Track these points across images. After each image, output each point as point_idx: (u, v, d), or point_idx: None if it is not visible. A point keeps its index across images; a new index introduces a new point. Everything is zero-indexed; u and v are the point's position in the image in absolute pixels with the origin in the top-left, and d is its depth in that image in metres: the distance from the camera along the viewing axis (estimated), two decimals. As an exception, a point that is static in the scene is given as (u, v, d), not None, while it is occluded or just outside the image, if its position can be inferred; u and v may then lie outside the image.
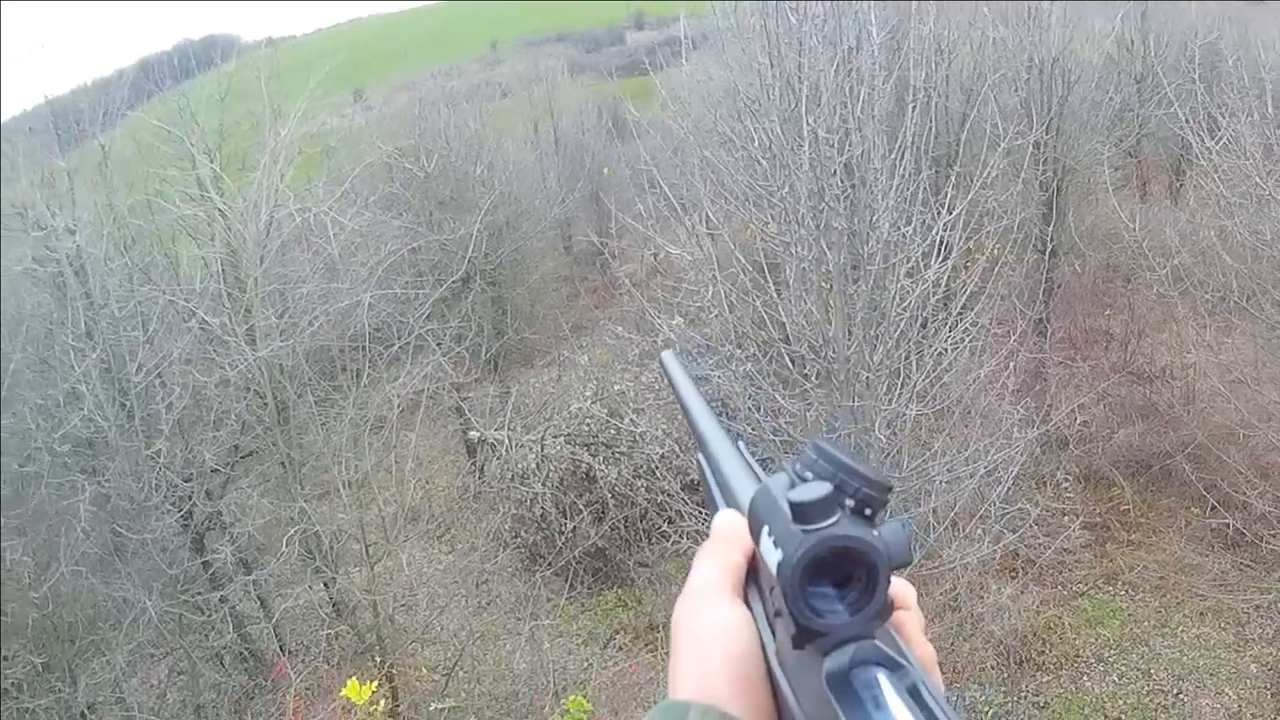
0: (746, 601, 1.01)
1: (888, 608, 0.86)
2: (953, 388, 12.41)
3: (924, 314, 11.50)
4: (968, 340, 12.27)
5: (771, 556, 0.90)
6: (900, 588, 1.02)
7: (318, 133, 15.44)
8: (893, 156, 11.19)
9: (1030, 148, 17.81)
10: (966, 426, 12.80)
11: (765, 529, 0.96)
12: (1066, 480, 16.19)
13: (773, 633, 0.95)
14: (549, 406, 16.90)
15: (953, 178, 12.91)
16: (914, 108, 11.42)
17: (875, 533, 0.86)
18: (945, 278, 11.59)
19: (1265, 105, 14.34)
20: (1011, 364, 14.03)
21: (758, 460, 1.22)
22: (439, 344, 15.44)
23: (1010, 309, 15.90)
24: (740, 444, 1.30)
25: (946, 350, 11.81)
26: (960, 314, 12.13)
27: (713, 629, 1.00)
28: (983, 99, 17.15)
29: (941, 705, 0.79)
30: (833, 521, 0.84)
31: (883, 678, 0.81)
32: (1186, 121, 17.30)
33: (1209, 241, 16.05)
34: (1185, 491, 15.88)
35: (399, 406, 13.16)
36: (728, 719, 0.92)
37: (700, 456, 1.34)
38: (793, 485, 0.92)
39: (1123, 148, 23.45)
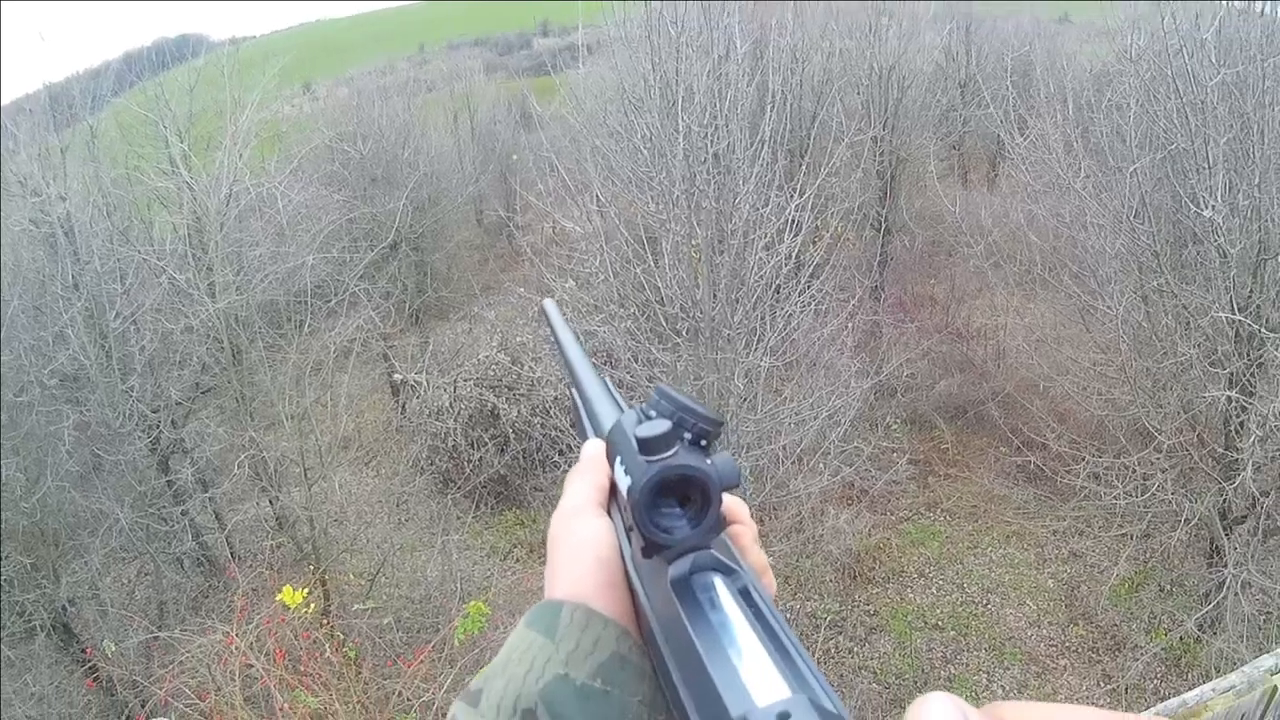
0: (610, 515, 1.05)
1: (721, 522, 0.91)
2: (800, 344, 12.61)
3: (777, 281, 11.70)
4: (814, 304, 12.52)
5: (623, 482, 0.97)
6: (734, 505, 1.08)
7: (272, 119, 15.38)
8: (753, 148, 11.39)
9: (869, 142, 18.05)
10: (812, 377, 13.01)
11: (619, 459, 1.03)
12: (895, 423, 16.43)
13: (629, 543, 0.99)
14: (461, 354, 16.95)
15: (804, 166, 13.08)
16: (772, 107, 11.63)
17: (709, 461, 0.91)
18: (796, 251, 11.81)
19: (1067, 108, 14.63)
20: (850, 324, 14.25)
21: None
22: (370, 300, 15.50)
23: (850, 278, 16.07)
24: (606, 379, 1.35)
25: (796, 312, 11.98)
26: (808, 282, 12.27)
27: (582, 539, 1.04)
28: (830, 100, 17.30)
29: (768, 603, 0.83)
30: (672, 453, 0.89)
31: (718, 581, 0.86)
32: (1001, 121, 17.55)
33: (1018, 223, 16.29)
34: (995, 433, 16.14)
35: (335, 352, 13.19)
36: (594, 614, 0.96)
37: (572, 391, 1.39)
38: (640, 422, 0.96)
39: (948, 142, 23.66)
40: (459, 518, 14.68)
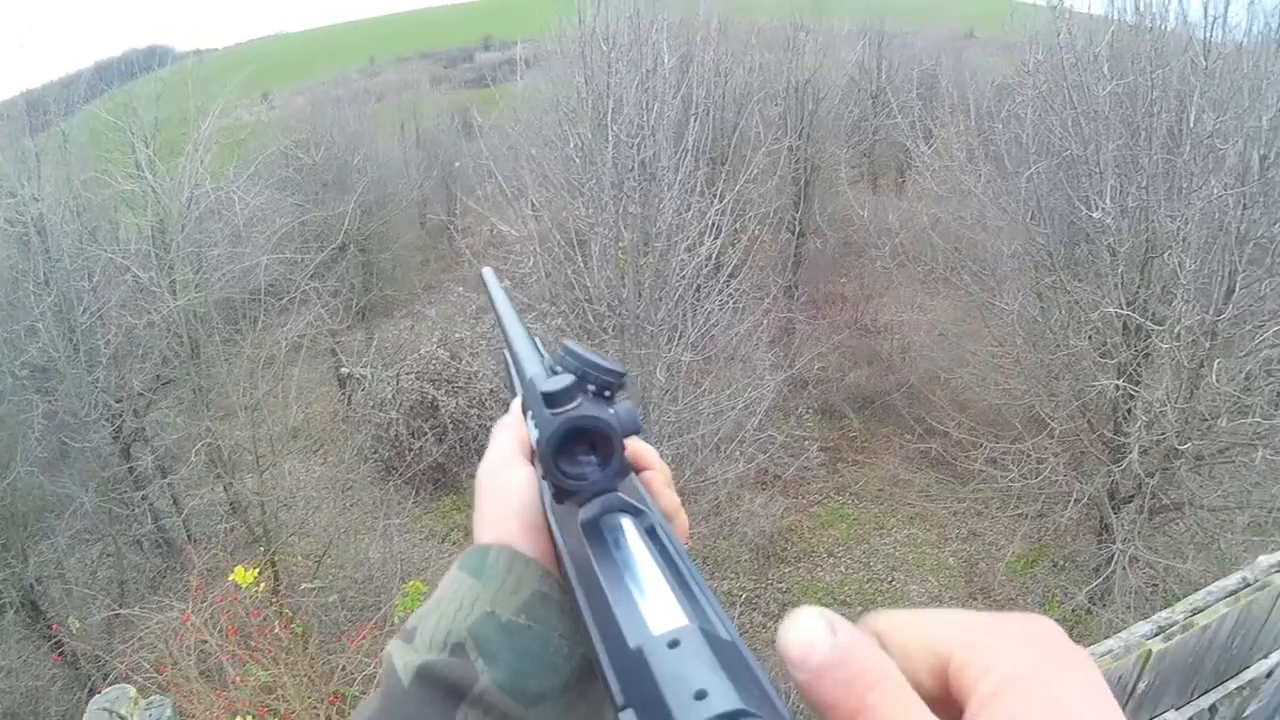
0: (533, 465, 1.03)
1: (625, 467, 0.92)
2: (719, 339, 12.71)
3: (698, 281, 11.81)
4: (732, 302, 12.61)
5: (533, 435, 0.98)
6: (645, 451, 1.10)
7: (231, 127, 15.44)
8: (677, 156, 11.50)
9: (785, 150, 18.18)
10: (729, 370, 13.16)
11: (529, 413, 1.05)
12: (807, 412, 16.54)
13: (547, 489, 0.98)
14: (404, 349, 16.97)
15: (724, 173, 13.20)
16: (696, 118, 11.74)
17: (611, 410, 0.92)
18: (715, 252, 11.91)
19: (969, 118, 14.78)
20: (765, 321, 14.33)
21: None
22: (319, 298, 15.50)
23: (766, 277, 16.17)
24: (537, 341, 1.32)
25: (715, 310, 12.10)
26: (727, 281, 12.38)
27: (507, 487, 1.04)
28: (750, 111, 17.41)
29: (672, 540, 0.85)
30: (576, 404, 0.90)
31: (625, 521, 0.87)
32: (907, 131, 17.74)
33: (922, 225, 16.46)
34: (900, 422, 16.28)
35: (286, 347, 13.21)
36: (518, 556, 0.98)
37: (506, 353, 1.38)
38: (548, 378, 0.96)
39: (859, 150, 23.77)
40: (400, 503, 14.72)
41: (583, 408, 0.89)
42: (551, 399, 0.89)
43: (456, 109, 30.51)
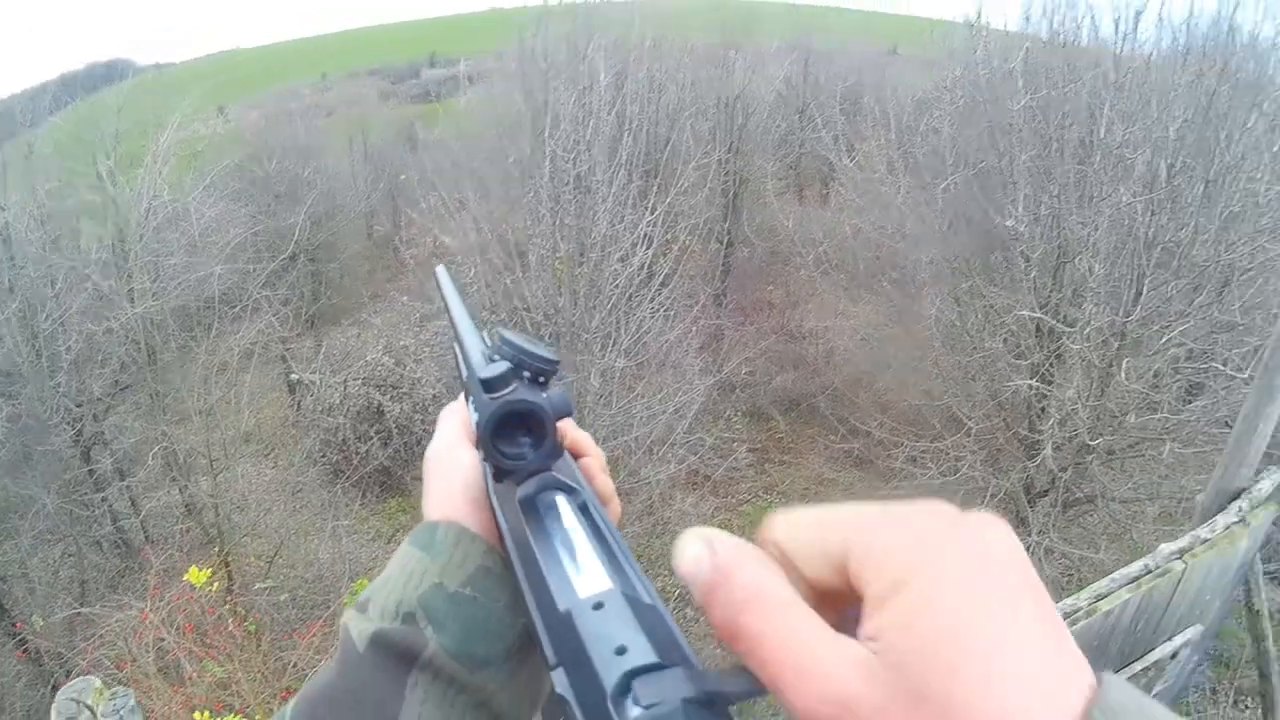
0: (476, 447, 1.07)
1: (558, 448, 0.96)
2: (651, 346, 12.76)
3: (631, 290, 11.88)
4: (663, 309, 12.71)
5: (473, 419, 1.03)
6: (581, 439, 1.15)
7: (189, 139, 15.43)
8: (611, 170, 11.57)
9: (715, 163, 18.32)
10: (661, 375, 13.22)
11: (470, 399, 1.08)
12: (736, 415, 16.61)
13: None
14: (351, 356, 16.97)
15: (656, 186, 13.32)
16: (629, 133, 11.86)
17: (544, 395, 0.96)
18: (648, 262, 11.99)
19: (890, 132, 14.95)
20: (695, 327, 14.39)
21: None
22: (270, 306, 15.54)
23: (696, 285, 16.27)
24: (484, 333, 1.34)
25: (647, 317, 12.18)
26: (658, 290, 12.47)
27: (452, 468, 1.08)
28: (682, 126, 17.52)
29: (602, 516, 0.88)
30: (510, 390, 0.94)
31: (560, 499, 0.91)
32: (831, 145, 17.93)
33: (845, 235, 16.66)
34: (824, 423, 16.35)
35: (239, 354, 13.25)
36: (464, 532, 1.01)
37: (455, 345, 1.37)
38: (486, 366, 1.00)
39: (786, 163, 23.88)
40: (348, 505, 14.73)
41: (518, 393, 0.93)
42: (489, 385, 0.94)
43: (403, 124, 30.50)
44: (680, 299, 13.64)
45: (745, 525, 15.32)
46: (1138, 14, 11.64)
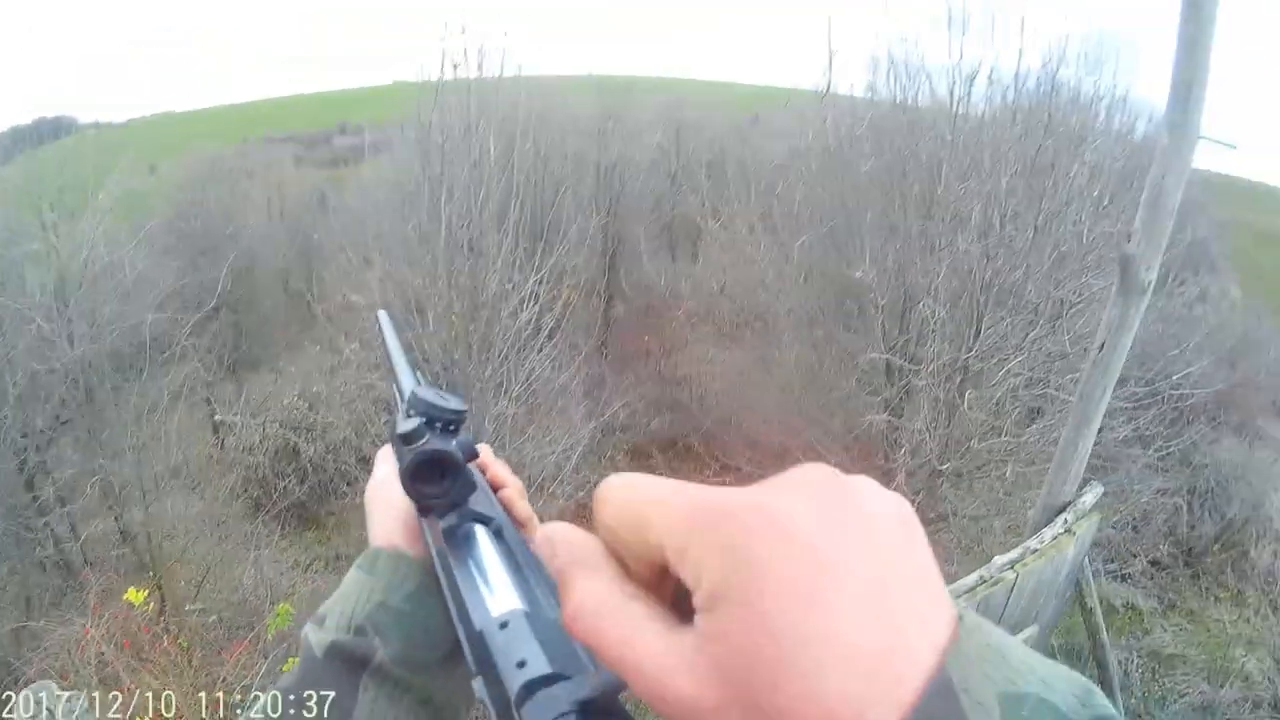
0: None
1: (470, 485, 1.03)
2: (540, 393, 12.89)
3: (521, 342, 12.03)
4: (550, 360, 12.92)
5: (395, 466, 1.08)
6: (501, 472, 1.21)
7: (124, 195, 15.42)
8: (501, 235, 11.78)
9: (596, 226, 18.59)
10: (549, 420, 13.39)
11: (394, 449, 1.16)
12: (618, 455, 16.72)
13: None
14: (269, 401, 16.98)
15: (541, 248, 13.49)
16: (517, 201, 12.05)
17: (454, 442, 1.04)
18: (535, 317, 12.17)
19: (751, 197, 15.24)
20: (580, 376, 14.57)
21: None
22: (196, 353, 15.62)
23: (580, 337, 16.34)
24: (419, 375, 1.39)
25: (536, 367, 12.34)
26: (546, 341, 12.67)
27: (389, 502, 1.16)
28: (565, 193, 17.69)
29: (516, 541, 0.95)
30: (424, 441, 1.00)
31: (478, 529, 0.98)
32: (699, 208, 18.24)
33: (713, 289, 16.93)
34: (699, 461, 16.40)
35: (168, 396, 13.31)
36: (402, 556, 1.11)
37: (393, 386, 1.43)
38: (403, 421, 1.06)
39: (659, 224, 24.05)
40: (268, 536, 14.67)
41: (430, 443, 1.01)
42: (405, 438, 1.02)
43: (315, 188, 30.35)
44: (565, 350, 13.76)
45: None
46: (970, 78, 12.03)
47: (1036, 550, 6.44)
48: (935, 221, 11.55)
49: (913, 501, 7.86)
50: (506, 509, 1.10)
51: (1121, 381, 11.45)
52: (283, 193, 29.94)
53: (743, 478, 14.12)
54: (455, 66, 12.27)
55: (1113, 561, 12.86)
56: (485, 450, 1.23)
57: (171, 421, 13.54)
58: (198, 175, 25.00)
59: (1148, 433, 12.26)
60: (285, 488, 15.88)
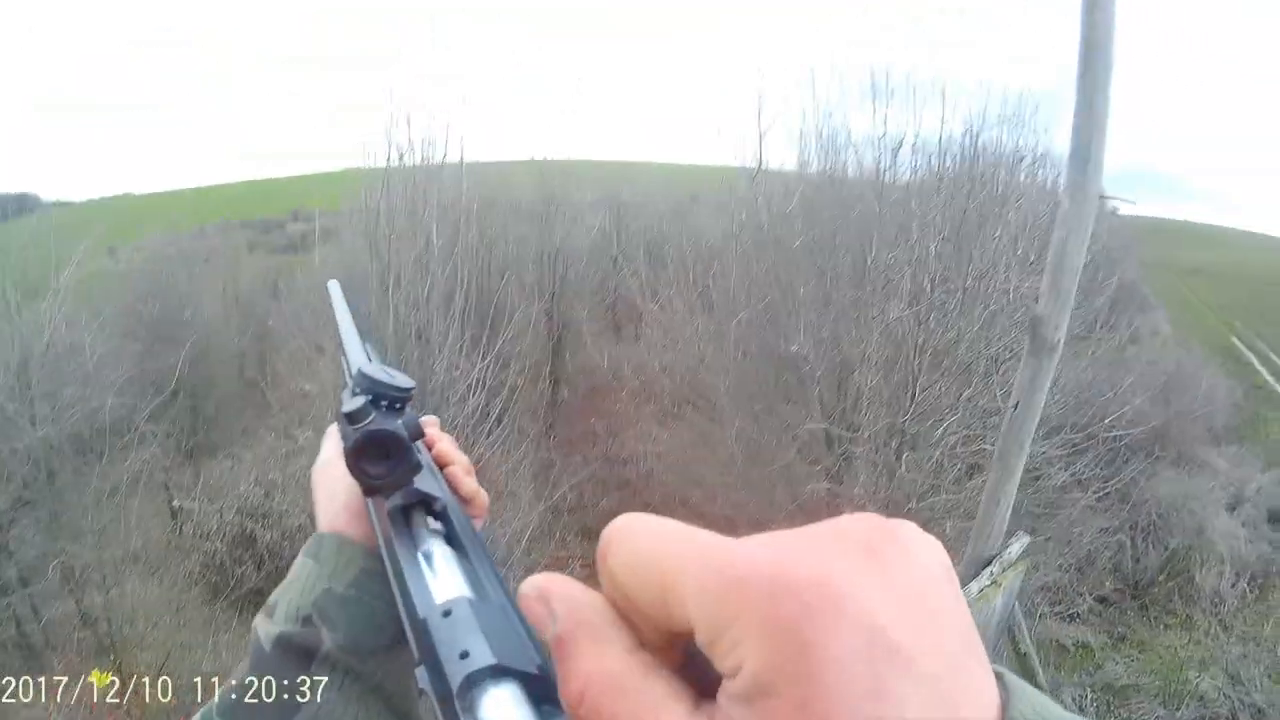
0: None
1: (416, 464, 0.99)
2: (489, 477, 13.02)
3: (468, 428, 12.21)
4: (498, 444, 13.11)
5: (341, 446, 1.04)
6: (447, 449, 1.18)
7: (86, 276, 15.51)
8: (447, 323, 12.03)
9: (540, 311, 18.83)
10: (499, 504, 13.51)
11: (339, 428, 1.11)
12: (569, 535, 16.82)
13: None
14: (225, 487, 17.06)
15: (487, 335, 13.65)
16: (462, 289, 12.27)
17: (399, 421, 0.99)
18: (483, 403, 12.40)
19: (689, 277, 15.46)
20: (528, 459, 14.76)
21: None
22: (155, 438, 15.67)
23: (527, 422, 16.52)
24: (368, 348, 1.41)
25: (484, 453, 12.49)
26: (494, 426, 12.89)
27: (334, 482, 1.15)
28: (509, 280, 17.82)
29: (460, 520, 0.94)
30: (370, 419, 0.97)
31: (425, 507, 0.96)
32: (639, 291, 18.48)
33: (654, 369, 17.14)
34: None
35: (127, 480, 13.37)
36: (346, 541, 1.09)
37: (343, 360, 1.42)
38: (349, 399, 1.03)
39: (603, 306, 24.29)
40: (227, 621, 14.68)
41: (375, 422, 0.98)
42: (349, 417, 0.99)
43: (269, 274, 30.35)
44: (513, 434, 13.92)
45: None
46: (895, 148, 12.33)
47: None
48: (867, 290, 11.82)
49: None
50: (453, 487, 1.11)
51: (1057, 429, 11.86)
52: (238, 278, 30.02)
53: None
54: (401, 156, 12.60)
55: (1059, 603, 13.10)
56: (433, 425, 1.24)
57: (131, 506, 13.58)
58: (156, 259, 25.21)
59: (1085, 476, 12.59)
60: (243, 574, 15.91)
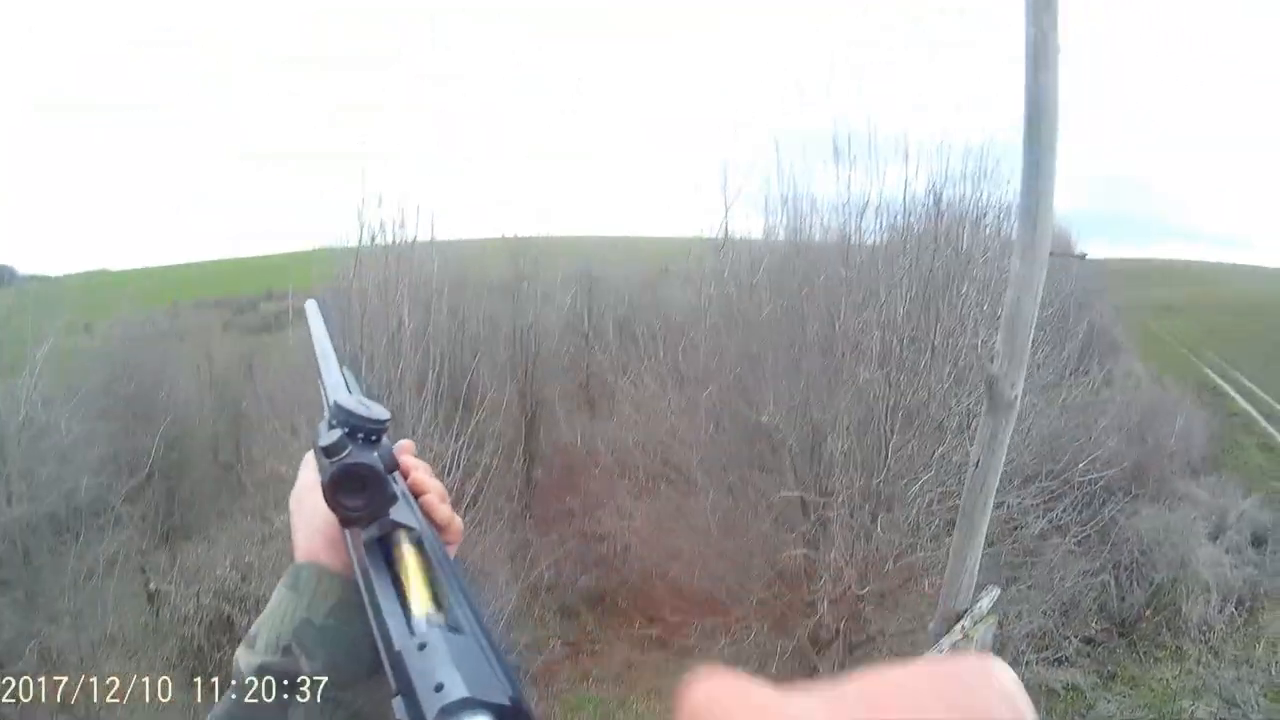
0: None
1: (391, 496, 1.00)
2: (465, 559, 12.99)
3: None
4: (474, 525, 13.03)
5: (318, 479, 1.04)
6: (422, 477, 1.18)
7: (61, 353, 15.47)
8: (420, 403, 12.08)
9: (513, 390, 18.90)
10: (475, 585, 13.54)
11: (316, 460, 1.13)
12: (548, 613, 16.74)
13: None
14: (202, 570, 16.99)
15: (459, 415, 13.66)
16: (434, 370, 12.33)
17: (375, 454, 1.00)
18: (458, 484, 12.26)
19: (660, 351, 15.57)
20: (504, 539, 14.75)
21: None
22: (131, 519, 15.64)
23: (502, 502, 16.50)
24: (346, 372, 1.41)
25: None
26: (469, 507, 12.76)
27: (311, 512, 1.14)
28: (481, 359, 17.85)
29: (437, 550, 0.96)
30: (346, 453, 0.97)
31: (400, 540, 0.98)
32: (610, 367, 18.56)
33: (628, 445, 17.18)
34: (627, 614, 16.59)
35: (103, 561, 13.33)
36: (324, 570, 1.09)
37: (321, 382, 1.41)
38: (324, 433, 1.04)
39: (575, 383, 24.31)
40: (205, 708, 14.63)
41: (351, 455, 0.99)
42: (325, 451, 1.00)
43: (243, 354, 30.31)
44: (489, 515, 13.90)
45: (564, 711, 15.35)
46: (860, 211, 12.56)
47: (936, 660, 6.70)
48: (836, 355, 11.95)
49: (837, 629, 8.09)
50: (428, 515, 1.12)
51: (1032, 479, 11.95)
52: (212, 358, 30.02)
53: (669, 627, 14.13)
54: (373, 237, 12.70)
55: (1046, 648, 13.20)
56: (408, 451, 1.24)
57: (108, 587, 13.53)
58: (131, 337, 25.16)
59: (1063, 521, 12.64)
60: (221, 659, 15.79)
